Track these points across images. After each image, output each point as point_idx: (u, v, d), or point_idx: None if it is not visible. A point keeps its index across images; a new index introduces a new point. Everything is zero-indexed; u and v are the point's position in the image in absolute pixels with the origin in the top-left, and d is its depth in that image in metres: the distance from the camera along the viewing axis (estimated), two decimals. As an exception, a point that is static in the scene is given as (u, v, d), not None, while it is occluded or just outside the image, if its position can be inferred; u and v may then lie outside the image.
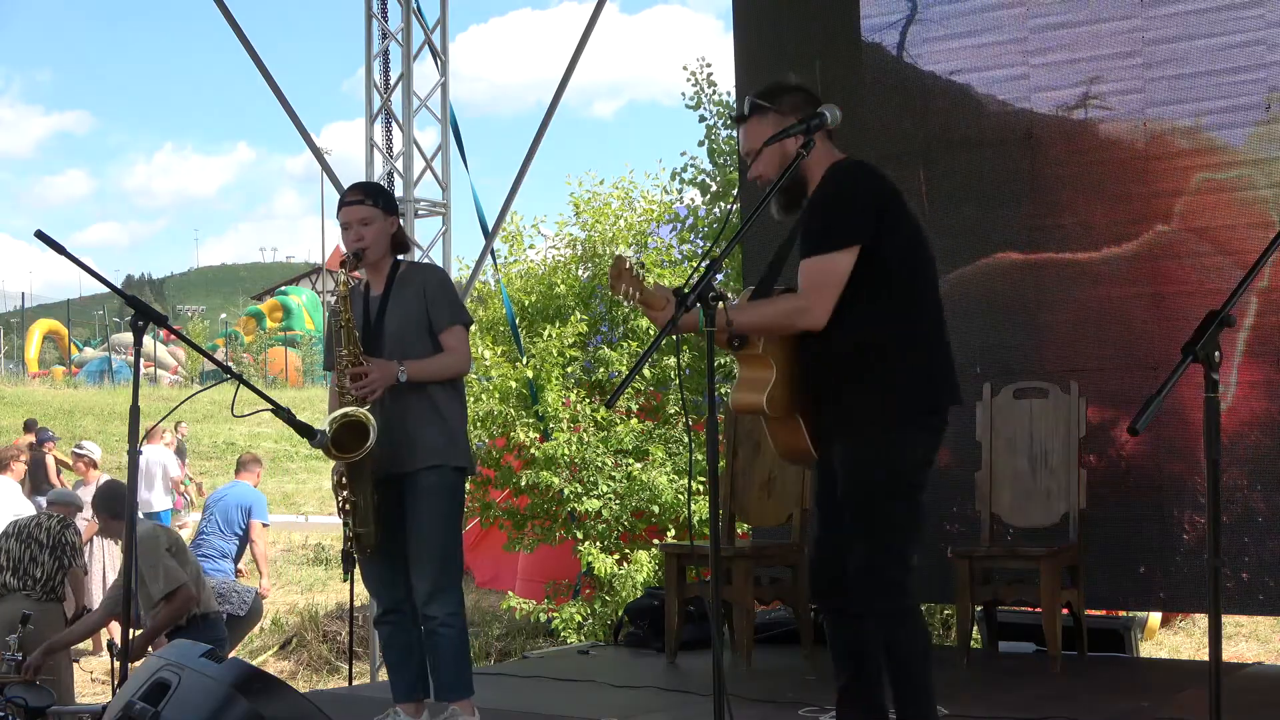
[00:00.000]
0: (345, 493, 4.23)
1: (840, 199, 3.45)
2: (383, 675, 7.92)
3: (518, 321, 10.56)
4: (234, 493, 10.00)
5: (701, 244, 11.75)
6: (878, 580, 3.43)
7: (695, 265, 10.39)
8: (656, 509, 9.82)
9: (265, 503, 10.10)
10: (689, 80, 12.88)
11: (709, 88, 12.86)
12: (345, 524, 4.29)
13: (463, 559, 4.42)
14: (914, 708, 3.45)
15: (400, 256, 4.42)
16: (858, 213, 3.42)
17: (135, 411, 3.91)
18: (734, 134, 11.51)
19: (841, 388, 3.45)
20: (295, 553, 15.43)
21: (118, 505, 6.56)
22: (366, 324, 4.31)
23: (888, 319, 3.43)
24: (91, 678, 8.27)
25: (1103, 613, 6.24)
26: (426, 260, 7.33)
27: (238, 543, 9.47)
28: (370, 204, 4.31)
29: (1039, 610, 5.28)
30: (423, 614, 4.25)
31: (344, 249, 4.35)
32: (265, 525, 9.82)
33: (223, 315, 56.00)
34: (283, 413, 4.23)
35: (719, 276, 3.25)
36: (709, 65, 12.87)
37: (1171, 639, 9.17)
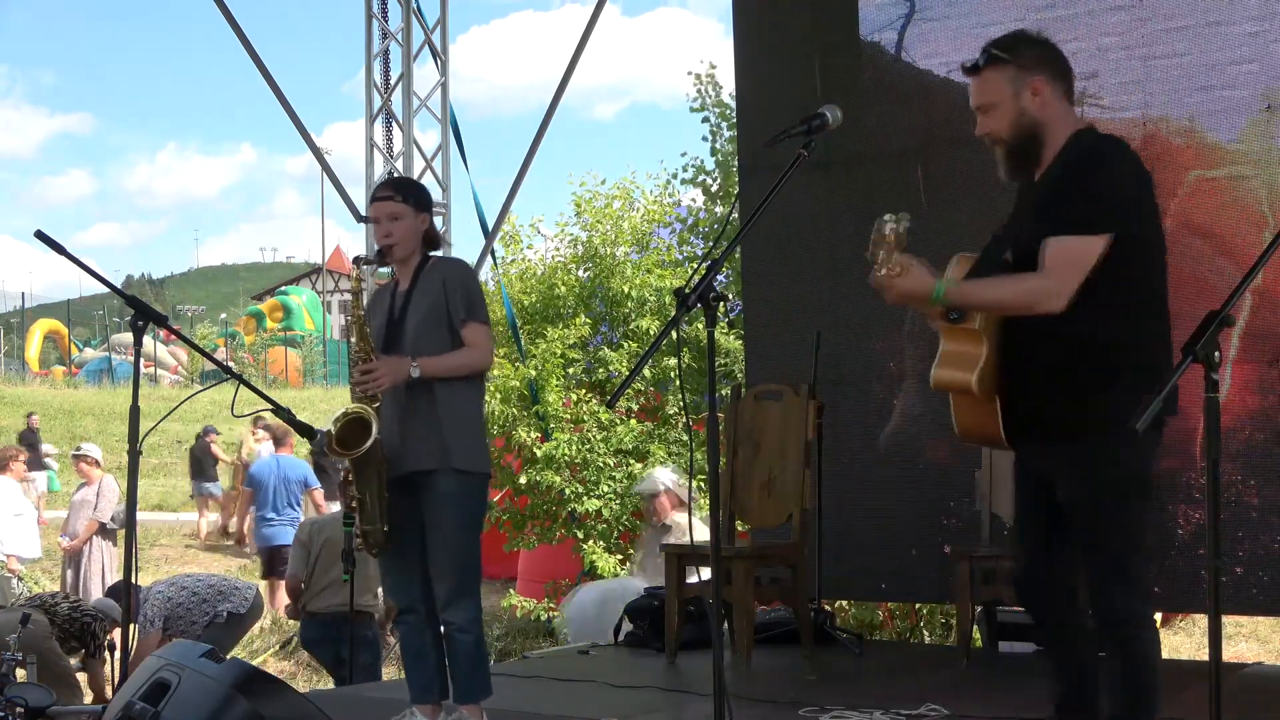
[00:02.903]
0: (352, 490, 4.23)
1: (1102, 178, 3.21)
2: (383, 675, 7.93)
3: (518, 323, 10.57)
4: (287, 466, 10.70)
5: (702, 244, 11.76)
6: (1135, 583, 3.24)
7: (695, 266, 10.41)
8: (656, 508, 9.82)
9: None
10: (694, 84, 12.94)
11: (714, 90, 12.91)
12: (348, 521, 4.29)
13: (481, 564, 4.36)
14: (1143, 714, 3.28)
15: (433, 253, 4.37)
16: (1120, 198, 3.20)
17: (135, 411, 3.93)
18: (736, 136, 11.54)
19: (1062, 384, 3.25)
20: (296, 552, 15.38)
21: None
22: (391, 319, 4.29)
23: (1117, 312, 3.22)
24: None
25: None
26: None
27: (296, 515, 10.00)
28: (400, 199, 4.27)
29: (1038, 609, 5.27)
30: (441, 618, 4.24)
31: (348, 249, 4.37)
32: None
33: (223, 315, 55.96)
34: (283, 413, 4.25)
35: (720, 277, 3.25)
36: (714, 68, 12.92)
37: (1171, 639, 9.17)
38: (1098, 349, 3.22)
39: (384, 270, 8.31)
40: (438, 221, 8.26)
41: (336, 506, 12.97)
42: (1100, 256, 3.17)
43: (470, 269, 4.51)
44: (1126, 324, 3.23)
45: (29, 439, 17.88)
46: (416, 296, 4.26)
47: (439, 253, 4.43)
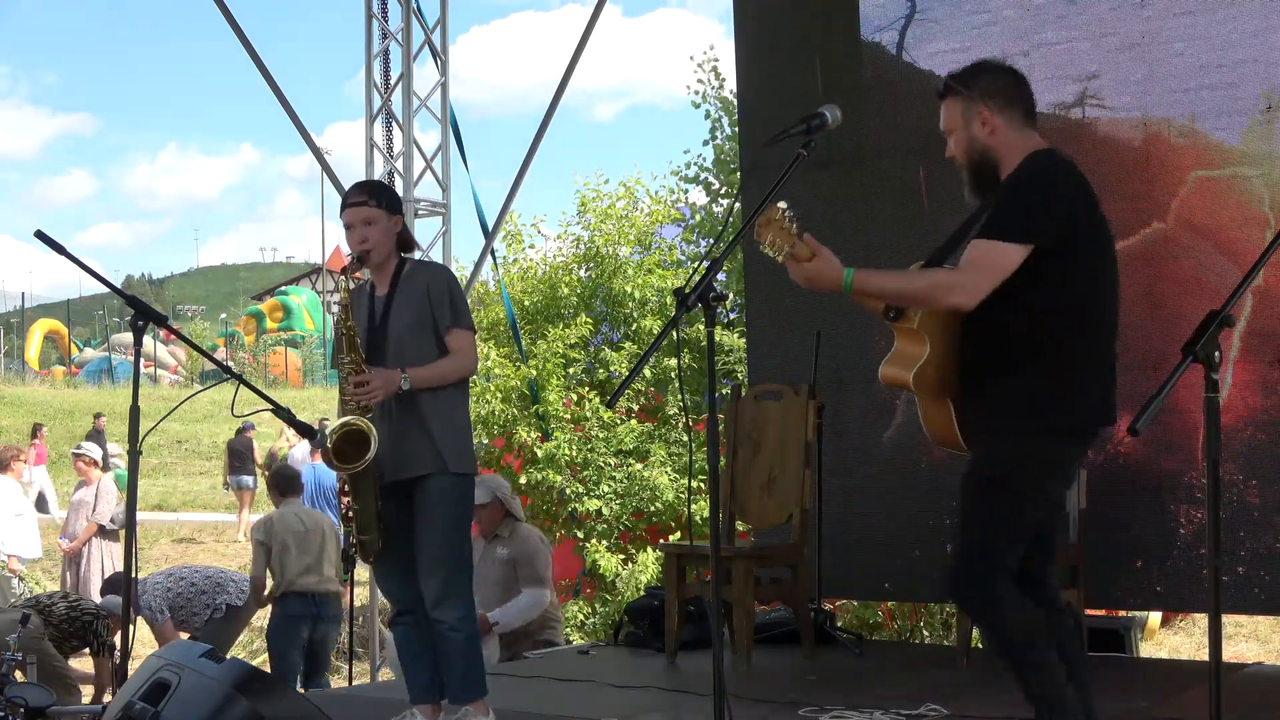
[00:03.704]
0: (348, 499, 4.22)
1: (1035, 192, 3.34)
2: (383, 675, 7.93)
3: (518, 323, 10.56)
4: (322, 472, 10.99)
5: (705, 243, 11.77)
6: (961, 575, 3.36)
7: (696, 265, 10.42)
8: (656, 507, 9.83)
9: None
10: (695, 71, 12.90)
11: (716, 80, 12.86)
12: (348, 529, 4.27)
13: (471, 564, 4.39)
14: (1033, 702, 3.32)
15: (407, 255, 4.36)
16: (1046, 212, 3.29)
17: (135, 411, 3.92)
18: (737, 130, 11.54)
19: (986, 385, 3.36)
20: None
21: (285, 485, 7.87)
22: (372, 325, 4.26)
23: (1051, 325, 3.32)
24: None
25: (1103, 613, 6.24)
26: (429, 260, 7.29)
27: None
28: (373, 204, 4.24)
29: (1039, 610, 5.27)
30: (432, 618, 4.23)
31: (347, 250, 4.32)
32: None
33: (223, 315, 55.97)
34: (283, 413, 4.23)
35: (720, 276, 3.24)
36: (715, 58, 12.88)
37: (1171, 639, 9.17)
38: (1011, 349, 3.33)
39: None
40: (437, 222, 8.31)
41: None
42: (1018, 264, 3.25)
43: (452, 275, 4.47)
44: (1044, 330, 3.32)
45: (96, 440, 17.88)
46: (398, 303, 4.25)
47: (416, 255, 4.42)
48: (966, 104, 3.48)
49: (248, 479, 16.58)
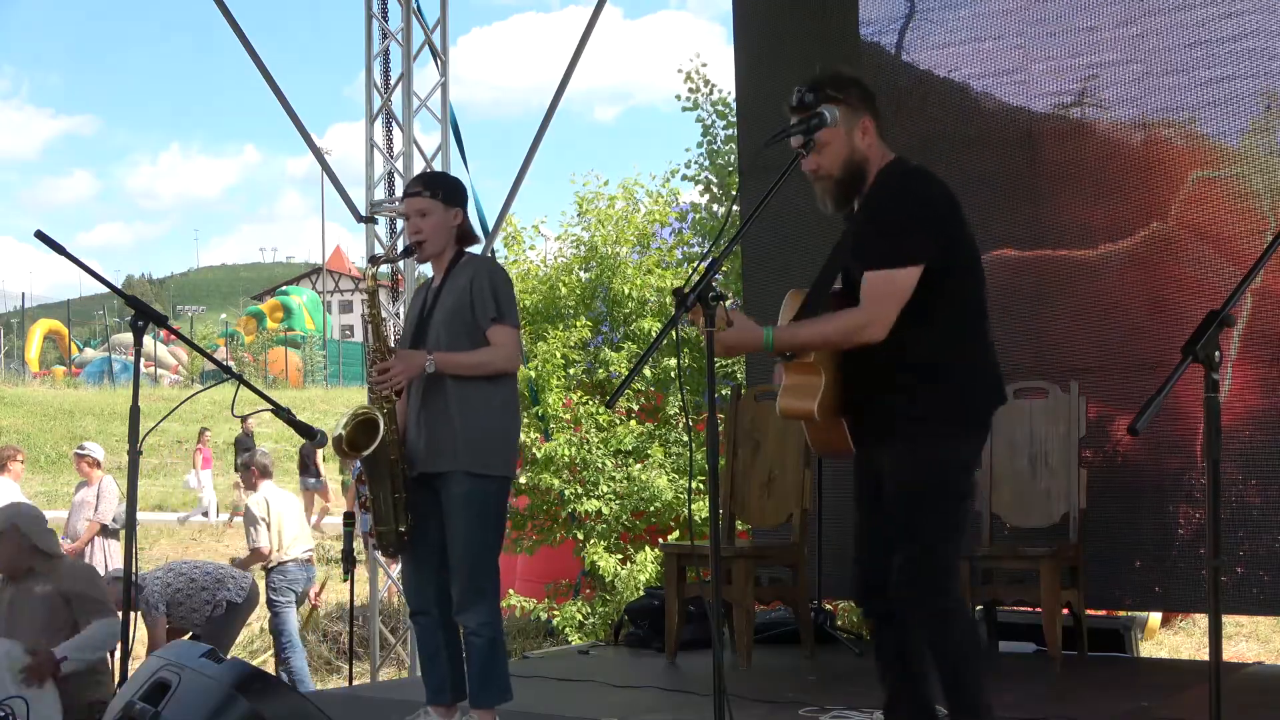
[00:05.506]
0: (365, 489, 4.22)
1: (913, 211, 3.41)
2: (383, 675, 7.94)
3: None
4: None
5: (701, 244, 11.77)
6: (918, 582, 3.37)
7: (694, 265, 10.41)
8: (655, 507, 9.82)
9: None
10: (685, 80, 12.96)
11: (705, 87, 12.94)
12: (348, 522, 4.28)
13: (498, 568, 4.31)
14: (964, 712, 3.38)
15: (467, 249, 4.31)
16: (927, 230, 3.38)
17: (135, 411, 3.92)
18: (733, 134, 11.55)
19: (887, 391, 3.41)
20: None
21: (265, 470, 8.76)
22: (421, 317, 4.26)
23: (935, 326, 3.38)
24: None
25: (1103, 613, 6.25)
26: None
27: None
28: (429, 195, 4.22)
29: (1039, 610, 5.28)
30: (457, 621, 4.22)
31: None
32: None
33: (223, 315, 55.98)
34: (283, 413, 4.23)
35: (719, 277, 3.24)
36: (704, 65, 12.94)
37: (1171, 639, 9.17)
38: (907, 363, 3.38)
39: (384, 270, 8.34)
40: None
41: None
42: (913, 286, 3.33)
43: (500, 268, 4.37)
44: (930, 336, 3.38)
45: (245, 444, 17.67)
46: (444, 295, 4.23)
47: (477, 249, 4.37)
48: (850, 113, 3.44)
49: (314, 482, 17.64)
